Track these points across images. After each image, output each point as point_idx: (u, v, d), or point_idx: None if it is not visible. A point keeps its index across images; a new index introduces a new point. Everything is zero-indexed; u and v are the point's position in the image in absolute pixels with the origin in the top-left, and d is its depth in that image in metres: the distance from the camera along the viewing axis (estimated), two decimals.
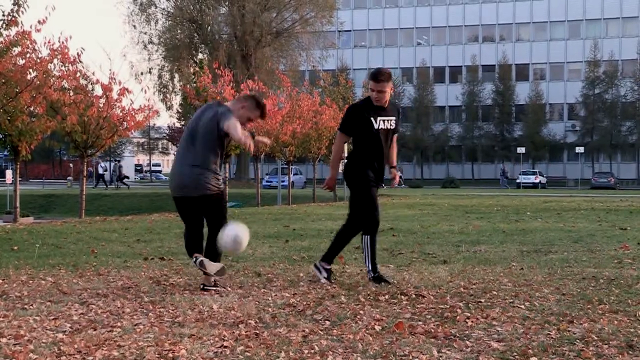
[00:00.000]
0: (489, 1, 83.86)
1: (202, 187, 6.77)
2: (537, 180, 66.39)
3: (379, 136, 7.31)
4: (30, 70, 16.33)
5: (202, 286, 6.84)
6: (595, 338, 4.88)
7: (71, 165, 73.32)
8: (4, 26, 15.20)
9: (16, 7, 15.33)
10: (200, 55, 61.64)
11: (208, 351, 4.60)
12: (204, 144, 6.80)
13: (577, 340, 4.83)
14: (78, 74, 18.25)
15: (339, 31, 79.09)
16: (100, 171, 56.61)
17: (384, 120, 7.29)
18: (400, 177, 7.40)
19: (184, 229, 7.12)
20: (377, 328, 5.21)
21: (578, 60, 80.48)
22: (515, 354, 4.53)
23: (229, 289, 6.87)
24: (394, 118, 7.36)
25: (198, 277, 7.71)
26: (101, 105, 18.83)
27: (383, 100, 7.23)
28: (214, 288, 6.77)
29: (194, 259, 6.76)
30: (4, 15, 15.18)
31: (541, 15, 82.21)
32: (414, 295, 6.51)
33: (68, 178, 66.78)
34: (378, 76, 7.22)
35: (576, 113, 79.44)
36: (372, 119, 7.26)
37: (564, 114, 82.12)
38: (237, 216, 18.86)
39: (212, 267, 6.67)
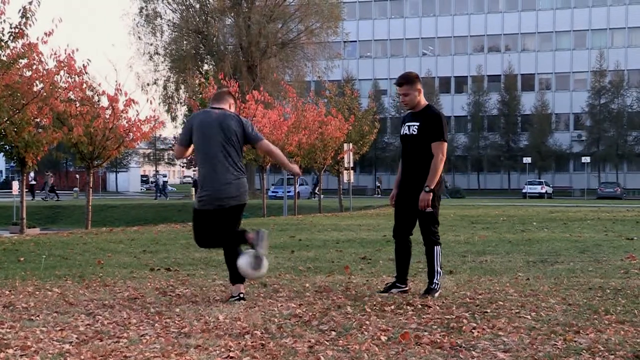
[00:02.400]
0: (494, 11, 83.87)
1: (245, 195, 6.94)
2: (543, 191, 66.22)
3: (402, 142, 7.30)
4: (37, 82, 16.41)
5: (239, 295, 6.86)
6: (602, 348, 4.88)
7: (77, 176, 73.42)
8: (11, 38, 15.26)
9: (24, 20, 15.40)
10: (205, 66, 61.80)
11: None
12: (237, 152, 6.89)
13: (584, 351, 4.82)
14: (84, 85, 18.34)
15: (345, 42, 79.11)
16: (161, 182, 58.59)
17: (408, 126, 7.22)
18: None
19: (216, 244, 7.11)
20: (383, 338, 5.20)
21: (584, 70, 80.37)
22: None
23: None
24: (417, 124, 7.12)
25: (204, 287, 7.72)
26: (107, 117, 18.89)
27: (408, 103, 7.20)
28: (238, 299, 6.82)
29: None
30: (11, 28, 15.25)
31: (547, 25, 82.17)
32: (420, 306, 6.51)
33: (74, 189, 66.87)
34: (397, 80, 7.29)
35: (582, 123, 79.27)
36: (402, 125, 7.31)
37: (570, 124, 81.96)
38: (243, 226, 18.86)
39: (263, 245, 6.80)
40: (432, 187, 7.01)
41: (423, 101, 7.26)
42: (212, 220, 6.85)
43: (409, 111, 7.31)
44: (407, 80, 7.19)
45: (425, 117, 7.13)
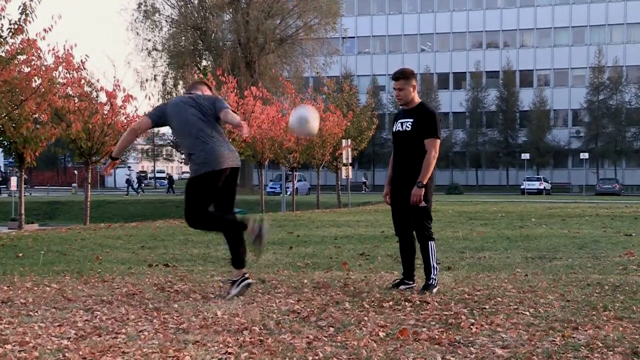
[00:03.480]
0: (492, 7, 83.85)
1: (237, 158, 7.08)
2: (542, 187, 66.33)
3: (394, 139, 7.34)
4: (36, 77, 16.39)
5: (244, 277, 6.93)
6: (600, 345, 4.88)
7: (76, 172, 73.46)
8: (11, 35, 15.24)
9: (23, 17, 15.39)
10: (204, 62, 61.79)
11: (212, 358, 4.61)
12: (216, 122, 7.00)
13: (582, 347, 4.82)
14: (82, 81, 18.33)
15: (343, 38, 79.18)
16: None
17: (402, 123, 7.25)
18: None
19: (216, 215, 7.05)
20: (382, 334, 5.20)
21: (582, 67, 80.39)
22: None
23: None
24: (411, 120, 7.15)
25: (202, 283, 7.72)
26: (106, 112, 18.89)
27: (402, 99, 7.24)
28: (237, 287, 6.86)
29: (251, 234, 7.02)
30: (10, 24, 15.23)
31: (545, 21, 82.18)
32: (418, 302, 6.51)
33: (73, 185, 66.91)
34: (394, 74, 7.35)
35: (580, 119, 79.31)
36: (395, 122, 7.36)
37: (569, 120, 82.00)
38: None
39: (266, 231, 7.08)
40: (425, 183, 7.02)
41: (417, 98, 7.29)
42: (213, 185, 6.83)
43: (402, 107, 7.34)
44: (402, 75, 7.24)
45: (419, 114, 7.16)
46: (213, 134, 6.85)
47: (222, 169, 6.79)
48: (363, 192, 66.76)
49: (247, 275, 6.92)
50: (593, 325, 5.49)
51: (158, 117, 7.08)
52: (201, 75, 29.65)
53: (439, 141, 7.13)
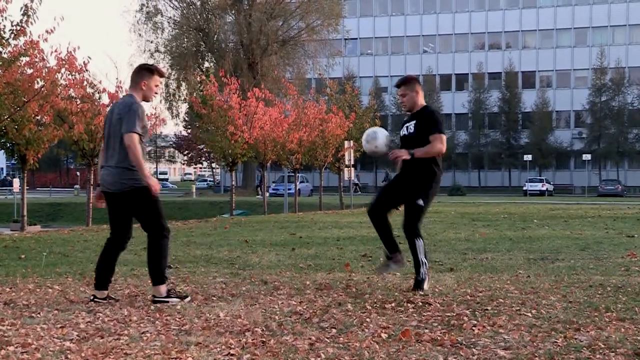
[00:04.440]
0: (495, 9, 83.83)
1: (118, 183, 6.65)
2: (544, 188, 66.29)
3: (401, 144, 7.38)
4: (38, 79, 16.41)
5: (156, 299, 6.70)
6: (602, 346, 4.88)
7: (78, 173, 73.51)
8: (13, 36, 15.26)
9: (25, 18, 15.40)
10: (206, 64, 61.86)
11: (215, 359, 4.61)
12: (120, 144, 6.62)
13: (584, 348, 4.82)
14: (85, 82, 18.34)
15: (345, 39, 79.21)
16: None
17: (406, 127, 7.36)
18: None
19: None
20: (384, 336, 5.21)
21: (585, 68, 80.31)
22: None
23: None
24: (414, 122, 7.26)
25: (205, 285, 7.73)
26: None
27: (406, 104, 7.39)
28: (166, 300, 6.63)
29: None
30: (12, 26, 15.24)
31: (547, 22, 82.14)
32: (420, 303, 6.51)
33: (75, 186, 66.97)
34: (397, 82, 7.54)
35: (583, 120, 79.25)
36: (402, 127, 7.44)
37: (571, 122, 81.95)
38: (244, 224, 18.89)
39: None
40: (415, 156, 7.07)
41: (421, 102, 7.41)
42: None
43: (408, 113, 7.45)
44: (404, 82, 7.42)
45: (422, 115, 7.29)
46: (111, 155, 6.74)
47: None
48: (355, 193, 66.35)
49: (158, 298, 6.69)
50: (595, 327, 5.49)
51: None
52: (203, 77, 29.58)
53: (443, 136, 7.18)
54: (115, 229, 6.87)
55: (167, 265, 6.88)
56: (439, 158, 7.30)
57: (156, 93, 6.94)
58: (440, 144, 7.12)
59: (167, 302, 6.53)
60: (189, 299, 6.71)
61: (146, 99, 6.80)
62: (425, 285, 7.15)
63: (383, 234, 7.44)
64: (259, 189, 60.85)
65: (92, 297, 6.73)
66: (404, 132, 7.35)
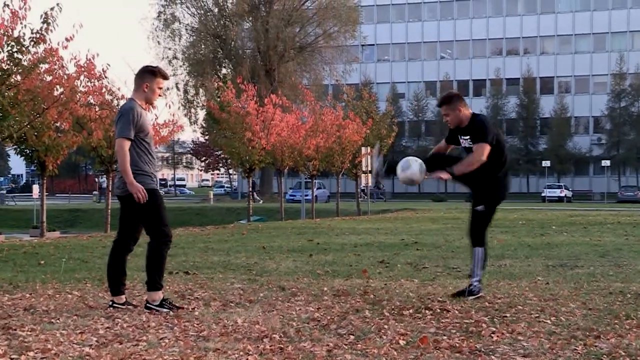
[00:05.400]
0: (513, 14, 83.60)
1: (121, 187, 6.62)
2: (563, 194, 65.96)
3: (468, 153, 7.32)
4: (57, 86, 16.51)
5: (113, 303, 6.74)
6: (623, 354, 4.84)
7: (97, 180, 73.86)
8: (32, 44, 15.36)
9: (45, 26, 15.50)
10: (224, 70, 61.99)
11: None
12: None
13: (604, 356, 4.79)
14: (104, 89, 18.43)
15: (362, 45, 79.16)
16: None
17: (463, 139, 7.28)
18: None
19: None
20: (402, 342, 5.19)
21: (604, 73, 79.89)
22: None
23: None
24: (468, 137, 7.16)
25: (222, 291, 7.74)
26: None
27: (451, 123, 7.25)
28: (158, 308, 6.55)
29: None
30: (32, 34, 15.35)
31: (566, 28, 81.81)
32: (438, 310, 6.49)
33: (94, 193, 67.28)
34: (438, 102, 7.44)
35: (602, 126, 78.84)
36: (456, 134, 7.36)
37: (590, 127, 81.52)
38: (262, 230, 18.91)
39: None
40: (453, 172, 7.02)
41: (467, 114, 7.22)
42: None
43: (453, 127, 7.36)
44: (445, 102, 7.26)
45: (472, 128, 7.15)
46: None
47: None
48: (361, 199, 65.21)
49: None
50: (615, 334, 5.45)
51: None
52: (221, 84, 29.68)
53: (487, 146, 7.00)
54: (121, 231, 6.86)
55: (163, 273, 6.76)
56: (499, 162, 7.17)
57: (159, 95, 6.89)
58: (480, 153, 6.98)
59: (158, 310, 6.45)
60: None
61: (149, 101, 6.76)
62: (469, 297, 7.05)
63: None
64: (253, 194, 61.10)
65: (110, 303, 6.74)
66: (463, 144, 7.28)
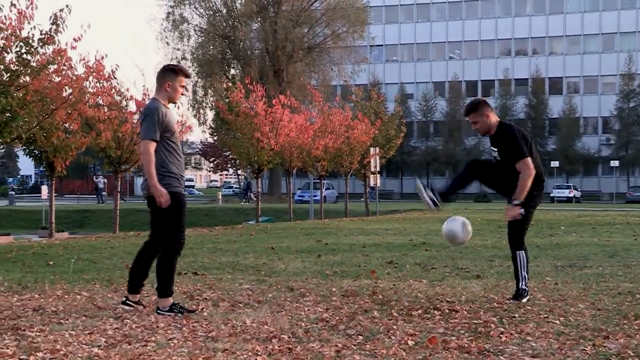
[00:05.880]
0: (521, 15, 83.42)
1: (145, 188, 6.58)
2: (571, 195, 65.79)
3: (496, 165, 7.29)
4: (66, 87, 16.53)
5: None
6: (632, 354, 4.83)
7: (105, 180, 73.99)
8: (41, 44, 15.39)
9: (54, 27, 15.53)
10: (232, 71, 62.07)
11: None
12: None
13: (613, 356, 4.78)
14: (112, 90, 18.46)
15: (371, 46, 79.13)
16: (101, 185, 58.06)
17: (492, 150, 7.24)
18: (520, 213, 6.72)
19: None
20: (410, 343, 5.19)
21: (612, 74, 79.65)
22: None
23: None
24: (496, 150, 7.12)
25: (231, 291, 7.74)
26: (135, 121, 19.01)
27: (480, 130, 7.19)
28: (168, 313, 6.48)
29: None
30: (41, 34, 15.38)
31: (575, 28, 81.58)
32: (447, 310, 6.49)
33: (102, 193, 67.38)
34: (464, 110, 7.33)
35: (610, 126, 78.60)
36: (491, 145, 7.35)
37: (598, 128, 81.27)
38: (270, 231, 18.92)
39: None
40: (521, 201, 6.94)
41: (494, 121, 7.15)
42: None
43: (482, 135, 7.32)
44: (472, 109, 7.17)
45: (500, 139, 7.08)
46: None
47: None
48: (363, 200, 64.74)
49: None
50: (624, 334, 5.44)
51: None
52: (229, 84, 29.73)
53: (528, 159, 6.95)
54: (152, 233, 6.78)
55: (174, 280, 6.64)
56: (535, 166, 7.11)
57: (182, 94, 6.83)
58: (525, 169, 6.92)
59: (170, 316, 6.40)
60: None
61: (171, 100, 6.70)
62: (524, 300, 7.01)
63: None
64: (246, 195, 61.16)
65: (124, 299, 6.74)
66: (492, 154, 7.25)
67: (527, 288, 7.13)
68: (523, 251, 7.18)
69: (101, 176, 59.13)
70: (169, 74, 6.67)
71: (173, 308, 6.47)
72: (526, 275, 7.15)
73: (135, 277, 6.76)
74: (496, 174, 7.23)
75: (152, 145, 6.41)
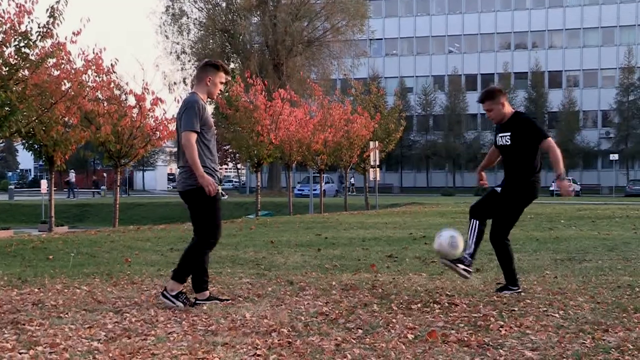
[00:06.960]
0: (521, 8, 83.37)
1: (180, 184, 6.63)
2: (571, 188, 65.78)
3: (500, 150, 7.32)
4: (65, 81, 16.52)
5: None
6: (631, 347, 4.83)
7: (105, 174, 73.97)
8: (40, 38, 15.37)
9: (52, 20, 15.50)
10: (232, 65, 61.97)
11: (241, 359, 4.62)
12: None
13: (613, 350, 4.78)
14: (112, 84, 18.45)
15: (371, 39, 79.12)
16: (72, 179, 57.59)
17: (501, 137, 7.20)
18: (574, 188, 6.72)
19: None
20: (410, 337, 5.19)
21: (612, 67, 79.68)
22: None
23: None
24: (508, 134, 7.08)
25: (231, 285, 7.75)
26: (134, 115, 19.02)
27: (494, 118, 7.19)
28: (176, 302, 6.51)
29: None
30: (39, 28, 15.35)
31: (574, 22, 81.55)
32: (446, 304, 6.49)
33: (102, 187, 67.41)
34: (479, 97, 7.30)
35: (610, 120, 78.64)
36: (496, 135, 7.33)
37: (598, 121, 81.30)
38: (270, 225, 18.92)
39: None
40: (562, 173, 7.01)
41: (509, 110, 7.18)
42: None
43: (495, 123, 7.32)
44: (488, 96, 7.16)
45: (516, 126, 7.08)
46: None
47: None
48: (351, 194, 63.31)
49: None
50: (624, 328, 5.44)
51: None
52: (229, 78, 29.75)
53: (550, 139, 7.02)
54: (194, 227, 6.73)
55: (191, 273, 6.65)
56: (532, 166, 7.18)
57: (221, 90, 6.88)
58: (553, 147, 7.01)
59: (172, 302, 6.44)
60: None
61: (210, 95, 6.73)
62: (461, 266, 6.94)
63: (502, 262, 7.28)
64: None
65: (194, 300, 6.63)
66: (499, 141, 7.22)
67: (470, 258, 7.01)
68: (479, 222, 7.18)
69: (72, 170, 58.75)
70: (211, 69, 6.73)
71: (179, 296, 6.50)
72: (472, 246, 7.06)
73: (195, 275, 6.71)
74: (494, 203, 7.27)
75: (194, 136, 6.44)
